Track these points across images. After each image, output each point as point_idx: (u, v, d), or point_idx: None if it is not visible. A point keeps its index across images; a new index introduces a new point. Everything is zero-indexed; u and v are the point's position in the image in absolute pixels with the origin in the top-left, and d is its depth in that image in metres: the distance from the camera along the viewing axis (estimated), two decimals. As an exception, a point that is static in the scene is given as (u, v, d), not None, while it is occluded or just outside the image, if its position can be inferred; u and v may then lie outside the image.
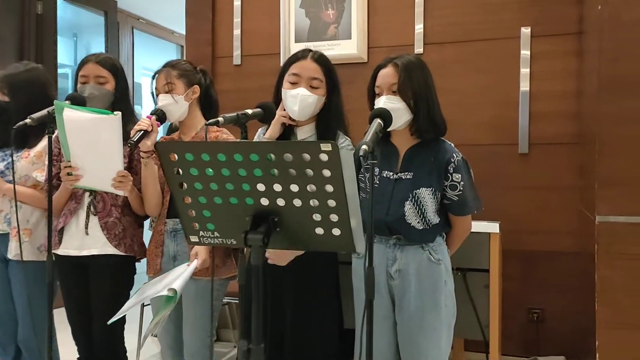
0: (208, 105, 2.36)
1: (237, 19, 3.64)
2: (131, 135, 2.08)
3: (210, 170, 1.42)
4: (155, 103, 2.27)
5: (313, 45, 3.56)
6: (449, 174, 1.93)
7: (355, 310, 2.08)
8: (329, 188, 1.37)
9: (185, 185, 1.47)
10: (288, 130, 2.12)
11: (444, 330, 1.93)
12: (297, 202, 1.42)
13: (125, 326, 2.35)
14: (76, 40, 6.60)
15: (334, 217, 1.42)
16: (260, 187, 1.41)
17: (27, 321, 2.34)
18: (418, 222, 1.93)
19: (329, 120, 2.07)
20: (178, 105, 2.22)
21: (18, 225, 2.21)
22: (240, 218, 1.47)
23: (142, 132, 2.08)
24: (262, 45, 3.60)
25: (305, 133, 2.09)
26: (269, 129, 2.08)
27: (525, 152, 3.20)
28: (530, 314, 3.21)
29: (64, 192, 2.25)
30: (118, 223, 2.25)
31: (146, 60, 6.16)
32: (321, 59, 2.09)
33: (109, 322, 1.93)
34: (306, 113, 2.03)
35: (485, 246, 2.47)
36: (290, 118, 2.08)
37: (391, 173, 1.98)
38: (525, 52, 3.16)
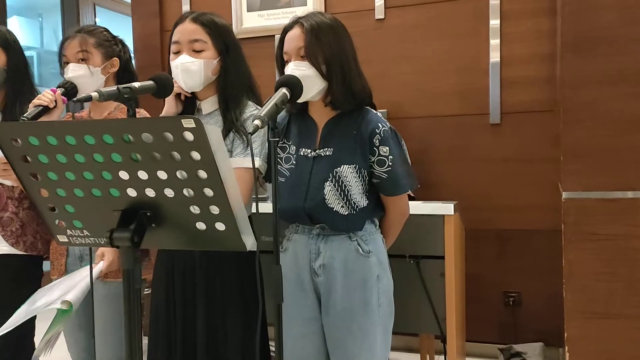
0: (127, 82, 2.08)
1: (185, -11, 3.36)
2: (26, 113, 1.80)
3: (62, 156, 1.17)
4: (63, 74, 1.99)
5: (267, 14, 3.30)
6: (374, 148, 1.65)
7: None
8: (202, 174, 1.12)
9: (38, 176, 1.22)
10: (191, 106, 1.85)
11: (378, 333, 1.66)
12: (169, 192, 1.17)
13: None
14: (42, 20, 6.31)
15: (214, 209, 1.17)
16: (124, 175, 1.16)
17: None
18: (341, 207, 1.65)
19: (228, 87, 1.79)
20: (93, 78, 1.94)
21: None
22: (108, 213, 1.22)
23: (41, 108, 1.79)
24: (212, 16, 3.32)
25: (209, 107, 1.82)
26: (165, 106, 1.81)
27: (497, 122, 2.94)
28: (506, 297, 2.98)
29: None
30: (15, 218, 1.99)
31: (111, 39, 5.87)
32: (202, 18, 1.79)
33: (-2, 334, 1.68)
34: (196, 82, 1.76)
35: (439, 230, 2.20)
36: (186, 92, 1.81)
37: (309, 150, 1.71)
38: (493, 13, 2.88)
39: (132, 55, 2.19)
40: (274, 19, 3.26)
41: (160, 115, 1.81)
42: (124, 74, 2.08)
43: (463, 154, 2.95)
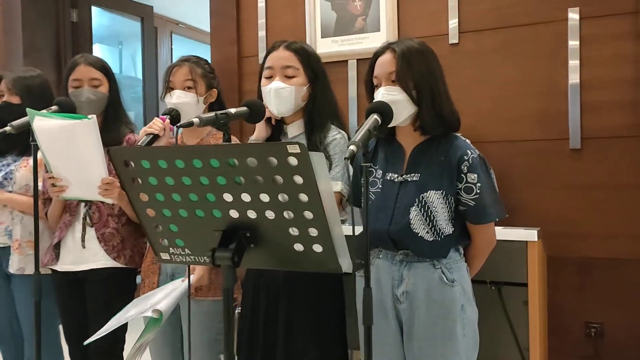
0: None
1: (261, 17, 3.47)
2: (139, 141, 1.92)
3: (170, 179, 1.24)
4: (163, 98, 2.10)
5: (340, 40, 3.37)
6: (462, 174, 1.65)
7: (360, 334, 1.82)
8: (303, 197, 1.16)
9: (146, 196, 1.29)
10: (278, 130, 1.91)
11: (461, 364, 1.64)
12: (270, 214, 1.22)
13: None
14: (121, 48, 6.65)
15: (312, 232, 1.21)
16: (227, 197, 1.22)
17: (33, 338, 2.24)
18: (427, 232, 1.65)
19: (315, 113, 1.84)
20: (197, 106, 2.05)
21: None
22: (210, 233, 1.28)
23: (152, 136, 1.90)
24: (288, 42, 3.41)
25: (295, 130, 1.88)
26: (255, 131, 1.88)
27: (577, 147, 2.85)
28: (588, 328, 2.85)
29: (57, 204, 2.15)
30: (116, 234, 2.12)
31: (186, 65, 6.10)
32: (295, 46, 1.87)
33: (87, 342, 1.78)
34: (287, 108, 1.82)
35: (522, 256, 2.16)
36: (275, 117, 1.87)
37: (396, 175, 1.72)
38: (573, 37, 2.82)
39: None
40: (348, 44, 3.31)
41: (251, 138, 1.88)
42: (217, 106, 2.17)
43: (542, 179, 2.88)
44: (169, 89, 2.07)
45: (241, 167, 1.16)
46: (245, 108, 1.60)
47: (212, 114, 1.50)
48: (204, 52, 6.38)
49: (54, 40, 4.42)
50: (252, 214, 1.22)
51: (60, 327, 2.30)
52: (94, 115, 1.89)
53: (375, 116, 1.45)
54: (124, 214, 2.14)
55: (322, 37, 3.30)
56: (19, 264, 2.25)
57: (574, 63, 2.83)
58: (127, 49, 6.47)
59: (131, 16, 5.10)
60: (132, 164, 1.24)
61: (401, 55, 1.65)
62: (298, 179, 1.13)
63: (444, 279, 1.66)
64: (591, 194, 2.82)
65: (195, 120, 1.47)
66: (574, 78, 2.83)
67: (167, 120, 1.96)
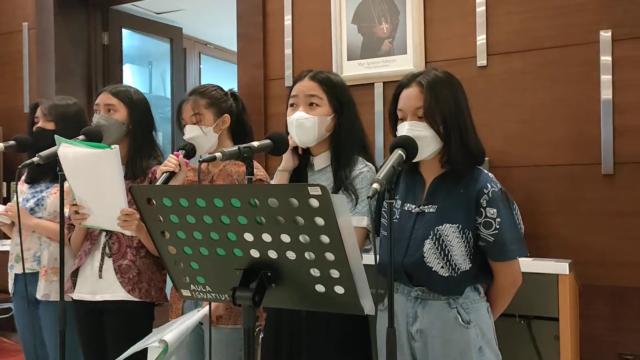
0: (241, 133, 2.18)
1: (287, 39, 3.49)
2: (157, 177, 1.95)
3: (192, 217, 1.23)
4: (182, 133, 2.13)
5: (367, 63, 3.35)
6: (481, 209, 1.59)
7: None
8: (325, 239, 1.14)
9: (167, 234, 1.29)
10: (305, 160, 1.90)
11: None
12: (291, 255, 1.20)
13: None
14: (151, 68, 6.75)
15: (334, 273, 1.18)
16: (248, 236, 1.21)
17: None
18: (441, 267, 1.59)
19: (341, 145, 1.82)
20: (207, 137, 2.06)
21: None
22: (230, 271, 1.26)
23: (169, 174, 1.94)
24: (314, 64, 3.38)
25: (321, 163, 1.86)
26: (283, 161, 1.87)
27: (610, 172, 2.77)
28: (621, 359, 2.76)
29: (79, 231, 2.16)
30: (132, 266, 2.11)
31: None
32: (319, 76, 1.86)
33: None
34: (309, 138, 1.80)
35: (553, 290, 2.09)
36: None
37: (413, 206, 1.68)
38: (605, 59, 2.76)
39: (244, 105, 2.27)
40: (374, 67, 3.30)
41: (279, 169, 1.87)
42: (237, 127, 2.17)
43: (573, 205, 2.81)
44: (183, 125, 2.10)
45: (262, 207, 1.14)
46: (268, 141, 1.60)
47: (235, 148, 1.49)
48: (232, 71, 6.45)
49: (85, 63, 4.50)
50: (273, 254, 1.20)
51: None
52: (117, 146, 1.90)
53: (399, 151, 1.42)
54: (143, 246, 2.13)
55: (348, 60, 3.30)
56: (44, 290, 2.27)
57: (606, 85, 2.76)
58: (157, 68, 6.57)
59: (161, 37, 5.18)
60: (154, 201, 1.24)
61: (428, 89, 1.61)
62: (319, 221, 1.11)
63: (460, 320, 1.59)
64: (624, 220, 2.74)
65: (218, 155, 1.47)
66: (606, 101, 2.76)
67: (181, 156, 1.99)
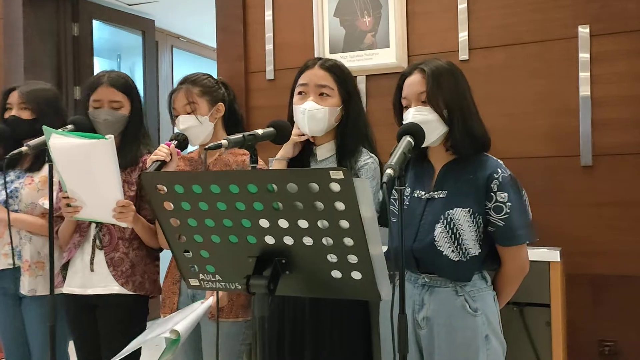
0: (233, 122, 2.15)
1: (269, 32, 3.46)
2: (147, 166, 1.90)
3: (205, 204, 1.20)
4: (174, 124, 2.08)
5: (349, 56, 3.35)
6: (492, 193, 1.61)
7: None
8: (344, 224, 1.13)
9: (177, 221, 1.26)
10: (307, 150, 1.88)
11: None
12: (308, 241, 1.18)
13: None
14: (120, 61, 6.61)
15: (352, 258, 1.17)
16: (264, 223, 1.19)
17: (46, 360, 2.18)
18: (452, 251, 1.61)
19: (348, 136, 1.82)
20: (203, 127, 2.02)
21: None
22: (243, 259, 1.24)
23: (159, 163, 1.88)
24: (296, 58, 3.38)
25: (325, 152, 1.85)
26: (281, 149, 1.85)
27: (589, 164, 2.85)
28: (601, 346, 2.83)
29: (69, 224, 2.09)
30: (125, 258, 2.05)
31: (186, 79, 6.07)
32: (331, 66, 1.86)
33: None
34: (320, 128, 1.79)
35: (544, 277, 2.13)
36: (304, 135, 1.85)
37: (423, 192, 1.70)
38: (584, 55, 2.83)
39: (235, 95, 2.23)
40: (357, 60, 3.30)
41: (276, 157, 1.85)
42: (230, 115, 2.14)
43: (553, 196, 2.87)
44: (175, 116, 2.05)
45: (280, 193, 1.13)
46: (272, 129, 1.58)
47: (239, 135, 1.47)
48: (206, 65, 6.37)
49: (54, 55, 4.38)
50: (289, 240, 1.19)
51: (71, 346, 2.24)
52: (112, 136, 1.85)
53: (408, 138, 1.43)
54: (136, 237, 2.08)
55: (330, 53, 3.28)
56: (29, 285, 2.19)
57: (584, 80, 2.83)
58: (126, 62, 6.43)
59: (133, 30, 5.07)
60: (165, 188, 1.21)
61: (431, 74, 1.64)
62: (340, 205, 1.10)
63: (467, 308, 1.61)
64: (603, 210, 2.81)
65: (224, 142, 1.45)
66: (584, 95, 2.83)
67: (173, 145, 1.95)
